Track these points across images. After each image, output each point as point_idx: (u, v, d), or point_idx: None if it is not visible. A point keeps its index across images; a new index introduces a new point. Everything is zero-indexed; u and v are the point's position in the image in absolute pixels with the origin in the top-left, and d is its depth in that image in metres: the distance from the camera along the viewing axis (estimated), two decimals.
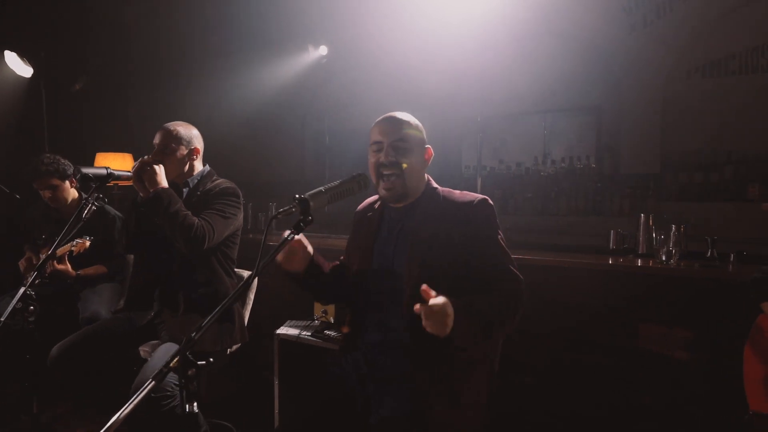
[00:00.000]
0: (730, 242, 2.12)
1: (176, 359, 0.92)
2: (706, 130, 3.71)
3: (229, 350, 1.84)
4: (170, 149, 1.82)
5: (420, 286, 1.16)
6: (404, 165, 1.25)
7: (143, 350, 1.82)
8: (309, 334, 2.18)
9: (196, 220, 1.68)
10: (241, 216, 1.88)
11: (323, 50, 4.46)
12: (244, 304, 1.97)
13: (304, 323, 2.37)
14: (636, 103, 3.94)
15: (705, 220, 3.26)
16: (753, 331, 1.10)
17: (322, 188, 1.14)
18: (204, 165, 1.95)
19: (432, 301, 1.03)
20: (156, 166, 1.72)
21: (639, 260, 1.91)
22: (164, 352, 1.59)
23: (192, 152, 1.88)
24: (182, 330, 1.69)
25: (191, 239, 1.65)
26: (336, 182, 1.18)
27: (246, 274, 2.04)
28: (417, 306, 1.04)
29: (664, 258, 1.71)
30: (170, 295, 1.77)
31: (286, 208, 1.08)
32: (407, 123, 1.29)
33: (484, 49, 4.10)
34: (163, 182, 1.71)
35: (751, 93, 3.59)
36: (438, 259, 1.21)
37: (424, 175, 1.34)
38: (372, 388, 1.24)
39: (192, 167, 1.90)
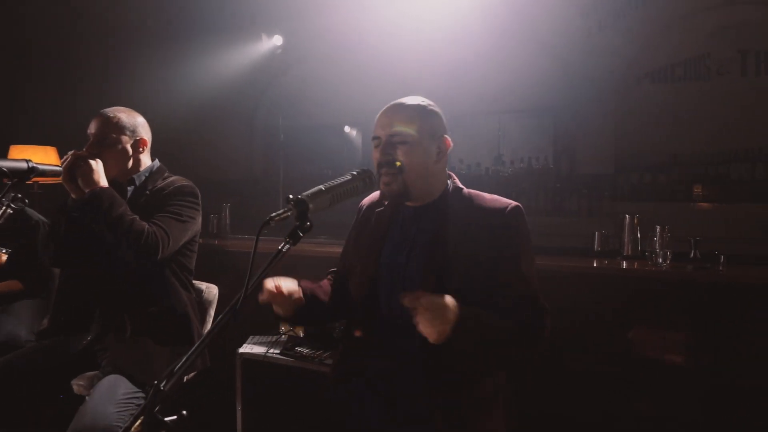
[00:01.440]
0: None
1: (139, 422, 0.68)
2: (655, 133, 3.88)
3: (186, 378, 1.57)
4: (110, 140, 1.52)
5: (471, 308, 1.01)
6: (398, 163, 1.08)
7: (78, 385, 1.50)
8: (277, 352, 1.94)
9: (146, 226, 1.41)
10: (199, 219, 1.62)
11: (278, 40, 4.17)
12: (203, 322, 1.70)
13: (268, 339, 2.12)
14: (591, 106, 4.04)
15: (655, 219, 3.40)
16: None
17: (321, 187, 0.94)
18: (153, 159, 1.66)
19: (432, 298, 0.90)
20: (92, 161, 1.42)
21: (625, 263, 1.88)
22: (108, 389, 1.30)
23: (138, 144, 1.58)
24: (130, 358, 1.41)
25: (142, 248, 1.38)
26: (338, 180, 0.98)
27: (204, 286, 1.77)
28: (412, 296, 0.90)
29: (660, 260, 1.68)
30: (114, 316, 1.47)
31: (280, 212, 0.87)
32: (409, 114, 1.13)
33: (443, 47, 4.03)
34: (102, 180, 1.42)
35: (695, 99, 3.79)
36: (459, 272, 1.06)
37: (441, 172, 1.16)
38: (381, 427, 1.06)
39: (138, 162, 1.60)
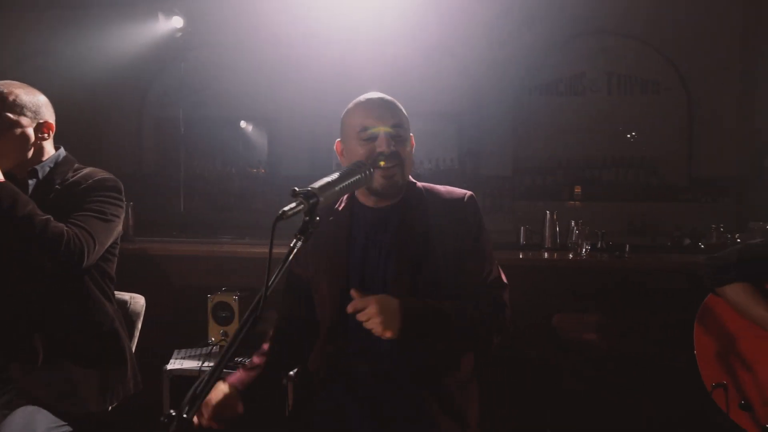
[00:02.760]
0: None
1: None
2: (545, 140, 4.39)
3: (110, 406, 1.33)
4: (5, 122, 1.22)
5: (412, 297, 1.02)
6: (402, 155, 1.06)
7: None
8: (213, 365, 1.75)
9: (65, 227, 1.16)
10: (122, 218, 1.38)
11: (177, 22, 3.76)
12: (131, 338, 1.46)
13: (197, 351, 1.91)
14: (493, 113, 4.39)
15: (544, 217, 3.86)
16: (701, 312, 1.29)
17: (328, 179, 0.87)
18: (57, 147, 1.38)
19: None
20: None
21: (546, 254, 2.09)
22: (24, 425, 1.05)
23: (41, 128, 1.30)
24: (47, 386, 1.16)
25: (63, 255, 1.13)
26: (340, 172, 0.92)
27: (128, 297, 1.52)
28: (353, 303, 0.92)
29: (583, 251, 1.90)
30: (19, 341, 1.19)
31: (292, 206, 0.78)
32: (399, 108, 1.10)
33: (356, 49, 4.05)
34: None
35: (574, 111, 4.37)
36: (430, 265, 1.06)
37: None
38: (371, 426, 1.02)
39: (40, 150, 1.31)
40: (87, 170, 1.35)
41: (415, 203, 1.11)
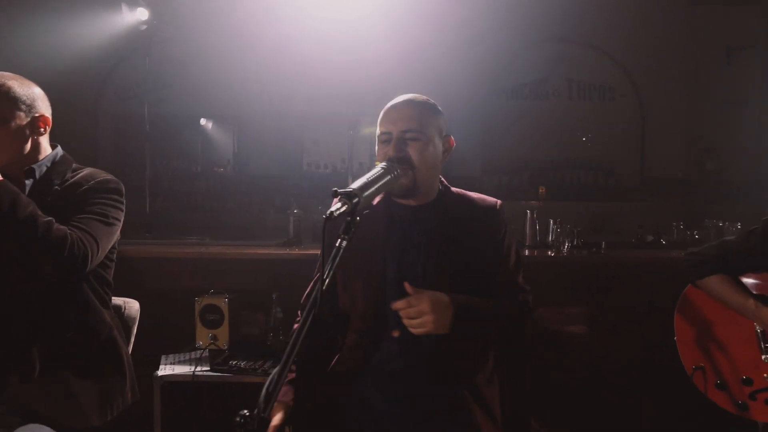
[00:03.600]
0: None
1: None
2: (511, 143, 4.56)
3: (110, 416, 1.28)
4: (0, 116, 1.16)
5: (459, 295, 1.04)
6: (413, 158, 1.07)
7: None
8: (207, 369, 1.71)
9: (68, 230, 1.11)
10: (122, 222, 1.33)
11: (142, 14, 3.60)
12: (128, 343, 1.40)
13: (186, 356, 1.86)
14: (462, 115, 4.48)
15: (514, 216, 4.03)
16: (681, 301, 1.41)
17: (365, 180, 0.89)
18: (54, 145, 1.31)
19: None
20: None
21: (527, 251, 2.20)
22: None
23: (36, 122, 1.23)
24: (43, 399, 1.10)
25: (67, 259, 1.08)
26: (375, 173, 0.94)
27: (121, 302, 1.46)
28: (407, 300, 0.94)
29: (565, 248, 2.02)
30: (15, 351, 1.12)
31: (338, 206, 0.80)
32: (420, 110, 1.11)
33: (324, 48, 4.04)
34: None
35: (537, 115, 4.58)
36: (465, 267, 1.09)
37: (440, 171, 1.17)
38: (409, 418, 1.04)
39: (37, 147, 1.25)
40: (87, 171, 1.30)
41: (450, 206, 1.14)
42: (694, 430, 1.77)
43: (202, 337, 1.91)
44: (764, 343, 1.25)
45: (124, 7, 3.54)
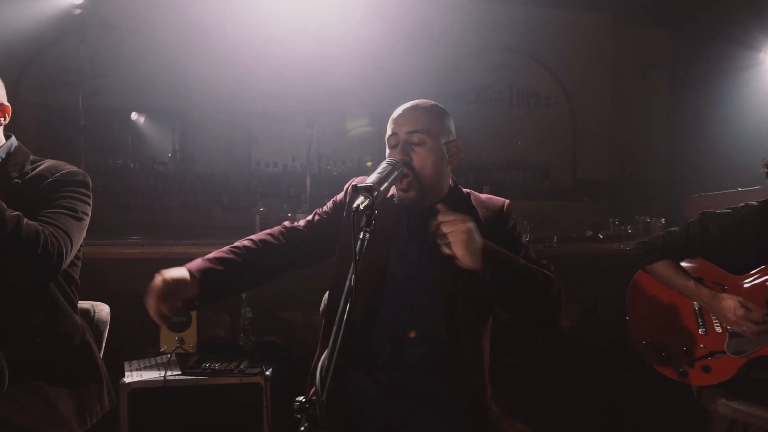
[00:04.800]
0: None
1: None
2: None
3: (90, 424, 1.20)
4: None
5: (453, 295, 1.09)
6: (415, 164, 1.10)
7: None
8: (178, 373, 1.64)
9: (39, 226, 1.03)
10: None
11: None
12: (101, 347, 1.31)
13: (151, 362, 1.77)
14: None
15: None
16: (632, 285, 1.58)
17: (377, 176, 0.92)
18: (9, 136, 1.20)
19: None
20: None
21: None
22: None
23: None
24: (18, 409, 1.01)
25: (40, 257, 1.00)
26: (384, 169, 0.97)
27: (89, 305, 1.36)
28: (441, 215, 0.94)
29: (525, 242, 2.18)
30: None
31: (362, 200, 0.83)
32: (427, 114, 1.14)
33: (274, 46, 4.00)
34: None
35: (481, 119, 4.83)
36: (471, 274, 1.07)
37: (448, 174, 1.20)
38: (399, 410, 1.07)
39: None
40: (48, 162, 1.21)
41: (459, 206, 1.14)
42: (639, 399, 1.99)
43: (167, 341, 1.82)
44: (701, 319, 1.45)
45: None
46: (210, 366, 1.67)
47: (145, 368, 1.68)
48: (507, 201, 1.24)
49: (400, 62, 4.34)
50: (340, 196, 1.26)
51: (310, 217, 1.25)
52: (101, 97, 3.99)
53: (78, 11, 3.33)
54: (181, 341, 1.82)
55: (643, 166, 4.91)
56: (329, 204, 1.26)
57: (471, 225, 0.94)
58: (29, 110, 4.09)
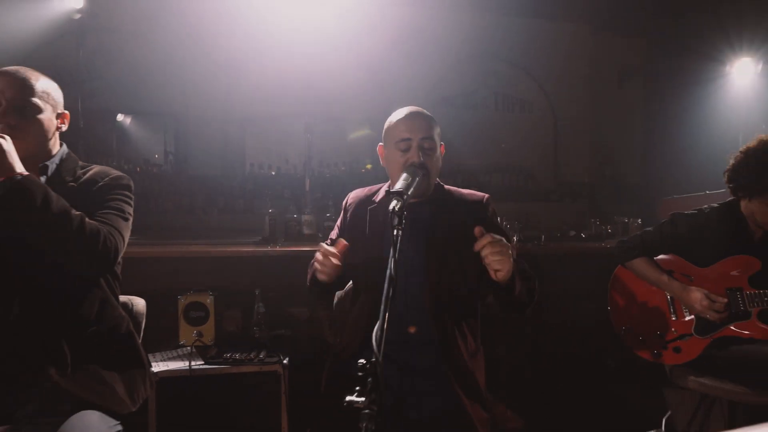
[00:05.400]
0: None
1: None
2: (448, 148, 4.96)
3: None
4: (33, 109, 1.16)
5: (440, 282, 1.24)
6: (429, 167, 1.24)
7: None
8: (201, 363, 1.76)
9: (99, 224, 1.16)
10: None
11: (76, 2, 3.40)
12: (140, 334, 1.43)
13: (173, 354, 1.88)
14: None
15: None
16: (612, 279, 1.78)
17: (403, 182, 1.08)
18: (62, 144, 1.32)
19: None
20: (3, 139, 1.07)
21: None
22: (91, 426, 1.04)
23: (60, 118, 1.25)
24: (82, 388, 1.13)
25: (99, 253, 1.12)
26: (407, 177, 1.12)
27: (126, 299, 1.47)
28: (478, 234, 1.07)
29: (514, 241, 2.36)
30: (48, 346, 1.13)
31: (395, 203, 0.98)
32: (430, 121, 1.29)
33: (271, 53, 4.10)
34: (19, 165, 1.09)
35: (469, 123, 5.03)
36: (456, 254, 1.26)
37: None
38: (408, 384, 1.21)
39: (54, 143, 1.26)
40: (97, 167, 1.33)
41: (444, 201, 1.31)
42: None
43: (186, 335, 1.94)
44: (673, 307, 1.65)
45: None
46: (231, 356, 1.79)
47: (170, 359, 1.79)
48: (486, 195, 1.37)
49: (393, 69, 4.50)
50: (341, 217, 1.44)
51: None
52: (97, 99, 4.03)
53: (78, 16, 3.39)
54: (200, 335, 1.94)
55: (621, 168, 5.18)
56: (335, 231, 1.44)
57: (507, 257, 1.07)
58: None
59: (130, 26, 3.90)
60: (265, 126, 4.54)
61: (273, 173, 4.57)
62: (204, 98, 4.23)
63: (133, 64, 4.03)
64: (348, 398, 0.73)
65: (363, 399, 0.72)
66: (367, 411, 0.69)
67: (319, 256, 1.17)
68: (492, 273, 1.09)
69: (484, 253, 1.07)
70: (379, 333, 0.80)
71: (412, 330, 1.25)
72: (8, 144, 1.07)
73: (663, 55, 4.88)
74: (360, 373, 0.74)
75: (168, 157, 4.62)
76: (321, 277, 1.18)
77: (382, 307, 0.83)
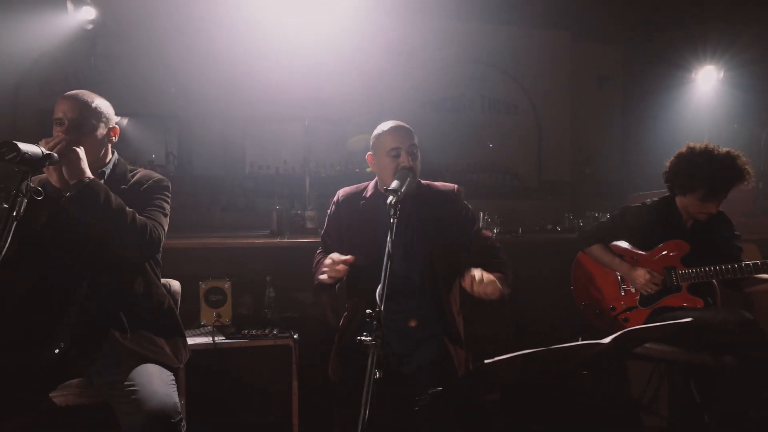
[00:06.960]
0: None
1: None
2: (436, 149, 5.24)
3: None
4: (89, 127, 1.43)
5: (429, 265, 1.52)
6: (416, 169, 1.55)
7: (62, 396, 1.35)
8: (223, 338, 2.04)
9: (146, 219, 1.43)
10: None
11: (89, 13, 3.62)
12: (177, 309, 1.70)
13: (196, 332, 2.15)
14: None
15: None
16: (574, 263, 2.08)
17: (398, 182, 1.36)
18: (113, 151, 1.59)
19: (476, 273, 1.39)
20: (78, 149, 1.34)
21: None
22: (153, 374, 1.32)
23: (111, 132, 1.52)
24: (141, 347, 1.40)
25: (147, 242, 1.39)
26: (401, 177, 1.41)
27: (164, 281, 1.75)
28: (470, 280, 1.38)
29: (494, 233, 2.66)
30: (112, 314, 1.40)
31: (392, 199, 1.26)
32: (413, 131, 1.60)
33: (269, 57, 4.33)
34: (88, 170, 1.36)
35: (457, 125, 5.32)
36: (436, 237, 1.54)
37: None
38: (400, 347, 1.50)
39: (106, 152, 1.53)
40: (142, 171, 1.60)
41: (422, 194, 1.60)
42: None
43: (207, 315, 2.21)
44: (622, 285, 1.97)
45: (70, 5, 3.52)
46: (248, 332, 2.07)
47: (194, 335, 2.06)
48: (457, 186, 1.66)
49: (385, 74, 4.77)
50: (332, 210, 1.70)
51: (326, 237, 1.68)
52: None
53: (91, 26, 3.61)
54: (219, 316, 2.21)
55: (600, 167, 5.51)
56: (327, 224, 1.71)
57: (495, 286, 1.38)
58: (29, 115, 4.30)
59: (131, 29, 4.08)
60: (264, 128, 4.77)
61: (271, 173, 4.80)
62: (206, 101, 4.44)
63: (137, 68, 4.23)
64: (358, 338, 1.02)
65: (370, 338, 1.02)
66: (374, 342, 0.98)
67: (328, 261, 1.44)
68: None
69: (474, 289, 1.36)
70: (380, 291, 1.09)
71: (412, 323, 1.52)
72: (83, 152, 1.34)
73: (638, 62, 5.22)
74: (368, 319, 1.03)
75: (169, 158, 4.84)
76: (327, 280, 1.46)
77: (383, 273, 1.11)
